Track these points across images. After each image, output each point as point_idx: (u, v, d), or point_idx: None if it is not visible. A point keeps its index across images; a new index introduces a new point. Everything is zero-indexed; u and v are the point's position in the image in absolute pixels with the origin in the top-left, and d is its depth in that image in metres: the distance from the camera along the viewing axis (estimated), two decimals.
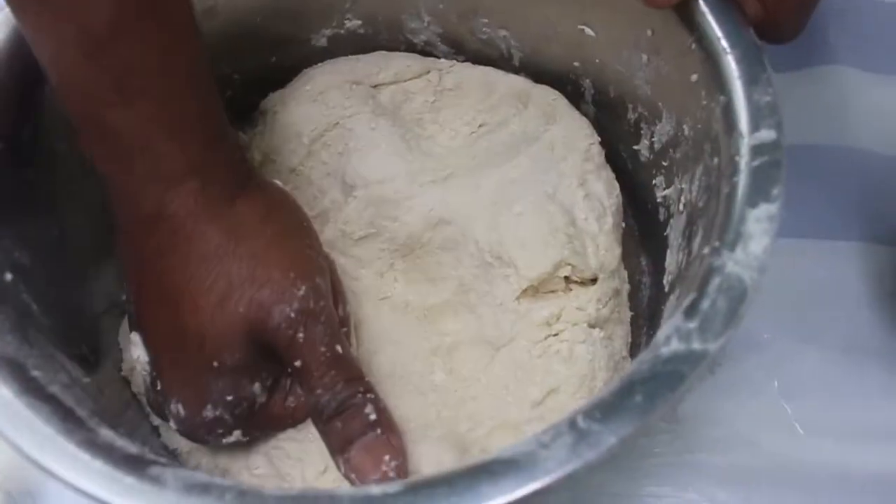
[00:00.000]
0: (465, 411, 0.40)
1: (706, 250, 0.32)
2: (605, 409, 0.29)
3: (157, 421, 0.42)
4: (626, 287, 0.44)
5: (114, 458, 0.29)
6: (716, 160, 0.35)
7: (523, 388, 0.39)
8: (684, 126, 0.39)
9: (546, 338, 0.40)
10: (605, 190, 0.44)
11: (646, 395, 0.29)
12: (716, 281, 0.31)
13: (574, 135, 0.45)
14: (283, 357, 0.36)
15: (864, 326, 0.45)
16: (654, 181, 0.44)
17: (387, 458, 0.35)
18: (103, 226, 0.39)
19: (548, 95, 0.47)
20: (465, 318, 0.42)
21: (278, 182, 0.41)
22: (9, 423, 0.30)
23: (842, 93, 0.50)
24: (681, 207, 0.40)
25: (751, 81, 0.35)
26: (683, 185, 0.40)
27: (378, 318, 0.43)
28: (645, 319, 0.45)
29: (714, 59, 0.36)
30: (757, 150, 0.33)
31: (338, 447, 0.36)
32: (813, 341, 0.45)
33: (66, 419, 0.30)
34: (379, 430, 0.35)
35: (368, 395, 0.36)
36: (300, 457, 0.38)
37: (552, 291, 0.41)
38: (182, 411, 0.36)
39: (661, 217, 0.43)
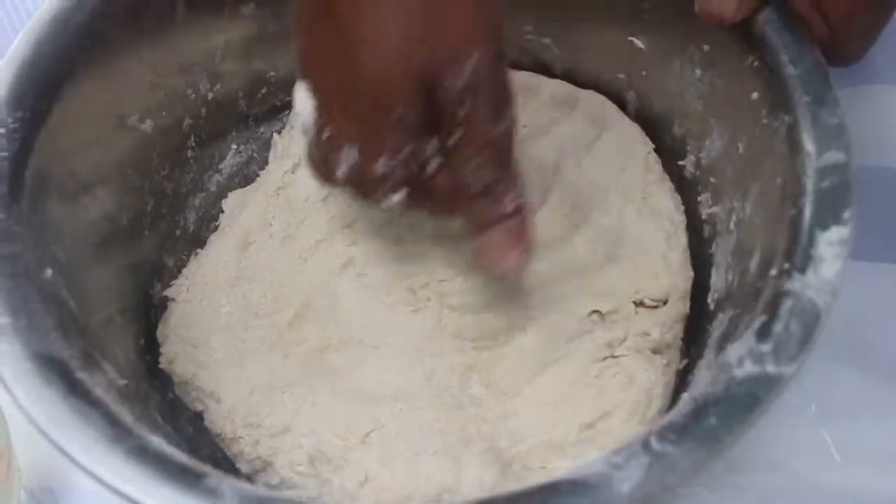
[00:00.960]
0: (505, 427, 0.39)
1: (773, 272, 0.32)
2: (679, 431, 0.28)
3: (200, 406, 0.41)
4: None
5: (166, 467, 0.28)
6: (778, 180, 0.35)
7: (574, 408, 0.38)
8: (739, 144, 0.39)
9: (605, 359, 0.38)
10: (673, 205, 0.43)
11: (720, 417, 0.28)
12: (787, 304, 0.30)
13: (629, 142, 0.44)
14: (444, 125, 0.35)
15: None
16: (699, 198, 0.43)
17: (520, 248, 0.36)
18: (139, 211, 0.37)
19: (595, 99, 0.46)
20: (504, 334, 0.41)
21: None
22: (56, 428, 0.28)
23: (886, 113, 0.49)
24: (731, 226, 0.40)
25: (818, 102, 0.34)
26: (735, 204, 0.39)
27: (412, 331, 0.42)
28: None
29: (778, 78, 0.35)
30: (825, 171, 0.33)
31: (476, 226, 0.36)
32: (852, 365, 0.44)
33: (115, 425, 0.29)
34: (519, 219, 0.36)
35: (515, 185, 0.36)
36: (340, 464, 0.37)
37: (617, 311, 0.41)
38: (355, 157, 0.35)
39: (706, 234, 0.42)
